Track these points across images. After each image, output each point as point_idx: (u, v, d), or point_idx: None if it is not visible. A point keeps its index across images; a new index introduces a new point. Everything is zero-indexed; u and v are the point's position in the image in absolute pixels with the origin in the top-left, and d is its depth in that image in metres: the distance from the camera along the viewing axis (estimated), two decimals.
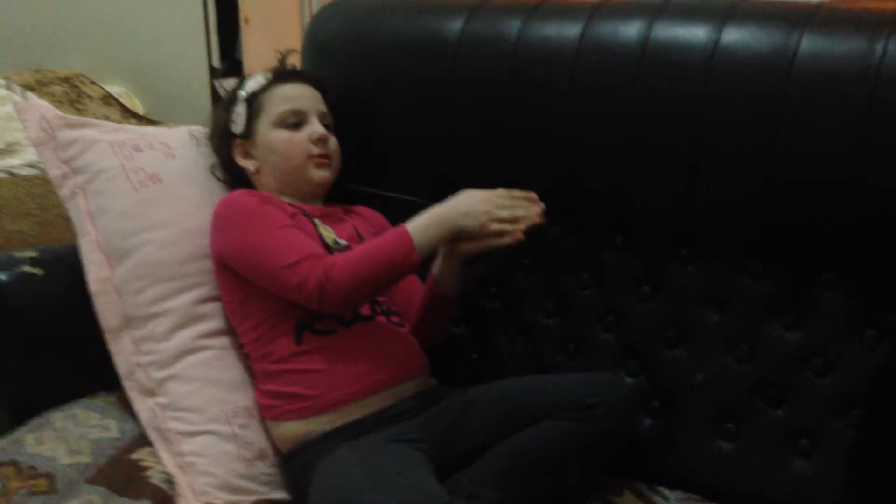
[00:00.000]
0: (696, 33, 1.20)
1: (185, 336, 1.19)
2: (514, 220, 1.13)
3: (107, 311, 1.21)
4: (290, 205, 1.25)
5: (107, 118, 2.25)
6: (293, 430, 1.16)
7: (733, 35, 1.18)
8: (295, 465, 1.16)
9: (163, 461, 1.15)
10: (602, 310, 1.29)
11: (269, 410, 1.18)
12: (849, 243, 1.14)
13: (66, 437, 1.18)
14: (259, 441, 1.17)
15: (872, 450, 0.94)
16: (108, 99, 2.41)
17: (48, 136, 1.25)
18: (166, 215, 1.23)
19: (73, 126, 1.26)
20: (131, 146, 1.27)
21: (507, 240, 1.12)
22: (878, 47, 1.10)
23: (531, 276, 1.34)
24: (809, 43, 1.13)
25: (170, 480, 1.13)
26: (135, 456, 1.16)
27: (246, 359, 1.22)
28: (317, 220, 1.25)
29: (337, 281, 1.11)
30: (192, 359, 1.19)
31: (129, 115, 2.40)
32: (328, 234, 1.24)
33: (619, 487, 1.19)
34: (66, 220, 1.27)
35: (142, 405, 1.19)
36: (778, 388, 1.18)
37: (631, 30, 1.23)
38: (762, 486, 1.16)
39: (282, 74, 1.32)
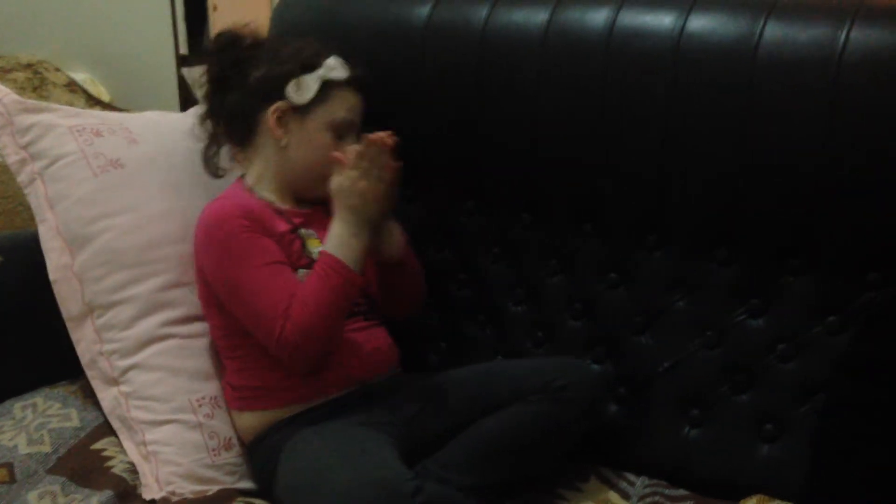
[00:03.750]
0: (662, 20, 1.20)
1: (149, 324, 1.17)
2: (372, 166, 1.13)
3: (68, 298, 1.19)
4: (282, 212, 1.19)
5: (71, 105, 2.20)
6: (258, 418, 1.15)
7: (699, 22, 1.18)
8: (260, 452, 1.15)
9: (126, 451, 1.14)
10: (570, 297, 1.29)
11: (234, 401, 1.17)
12: (814, 229, 1.15)
13: (26, 426, 1.16)
14: (225, 431, 1.16)
15: (834, 435, 0.95)
16: (73, 86, 2.37)
17: (5, 121, 1.22)
18: (128, 201, 1.21)
19: (30, 111, 1.24)
20: (91, 131, 1.24)
21: (388, 173, 1.14)
22: (841, 35, 1.10)
23: (499, 264, 1.34)
24: (774, 30, 1.14)
25: (133, 470, 1.12)
26: (97, 446, 1.15)
27: (213, 347, 1.20)
28: (303, 233, 1.20)
29: (301, 347, 1.10)
30: (156, 347, 1.17)
31: (93, 102, 2.36)
32: (314, 245, 1.19)
33: (586, 473, 1.19)
34: (29, 209, 1.25)
35: (105, 394, 1.18)
36: (743, 374, 1.19)
37: (598, 17, 1.23)
38: (728, 471, 1.17)
39: (360, 80, 1.24)
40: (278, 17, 1.48)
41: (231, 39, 1.25)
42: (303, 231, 1.20)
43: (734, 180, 1.17)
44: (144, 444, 1.13)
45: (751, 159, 1.16)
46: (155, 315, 1.18)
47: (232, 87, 1.23)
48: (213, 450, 1.14)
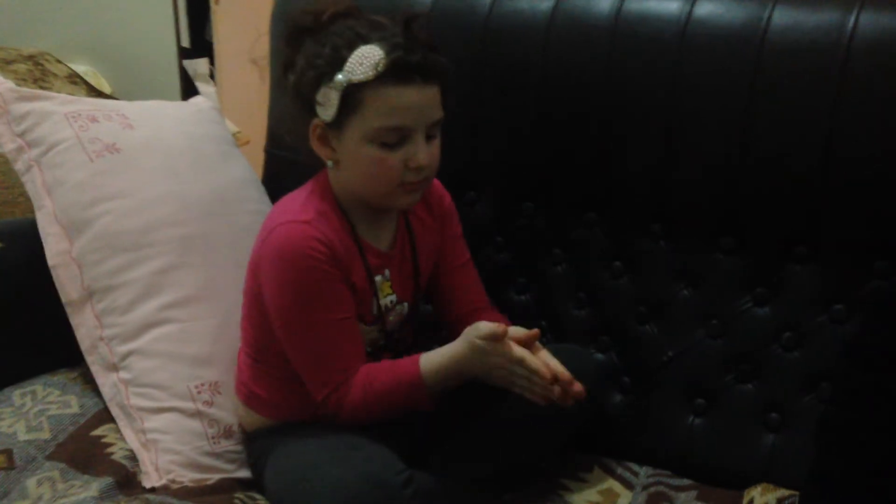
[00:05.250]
0: (668, 6, 1.19)
1: (148, 308, 1.16)
2: (528, 389, 1.02)
3: (67, 284, 1.18)
4: (363, 249, 1.07)
5: None
6: (262, 420, 1.13)
7: (706, 7, 1.17)
8: (257, 444, 1.13)
9: (125, 438, 1.13)
10: (574, 286, 1.28)
11: (243, 396, 1.15)
12: (820, 217, 1.14)
13: (26, 413, 1.16)
14: (225, 418, 1.15)
15: (839, 424, 0.95)
16: (74, 77, 2.36)
17: (1, 110, 1.22)
18: (125, 185, 1.20)
19: (26, 99, 1.23)
20: (87, 117, 1.23)
21: (536, 394, 1.02)
22: (850, 20, 1.09)
23: (503, 253, 1.33)
24: (782, 15, 1.13)
25: (133, 457, 1.11)
26: (97, 432, 1.14)
27: (215, 330, 1.18)
28: (378, 281, 1.09)
29: (351, 418, 1.05)
30: (156, 332, 1.16)
31: (95, 94, 2.35)
32: (385, 292, 1.11)
33: (589, 463, 1.18)
34: (30, 199, 1.24)
35: (104, 380, 1.17)
36: (748, 363, 1.18)
37: (604, 3, 1.22)
38: (732, 460, 1.16)
39: (399, 69, 0.97)
40: (280, 10, 1.47)
41: (290, 24, 1.05)
42: (378, 279, 1.10)
43: (740, 168, 1.16)
44: (143, 431, 1.12)
45: (757, 146, 1.15)
46: (154, 298, 1.17)
47: (286, 90, 1.06)
48: (213, 437, 1.13)
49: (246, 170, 1.36)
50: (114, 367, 1.16)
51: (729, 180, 1.17)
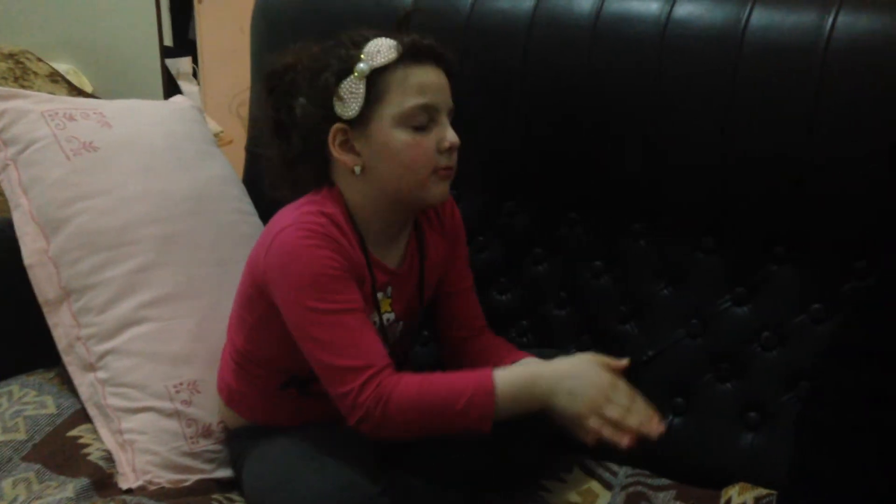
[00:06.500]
0: (649, 7, 1.20)
1: (125, 307, 1.16)
2: (619, 425, 0.93)
3: (43, 283, 1.17)
4: (372, 264, 1.03)
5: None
6: (242, 419, 1.12)
7: (686, 8, 1.18)
8: (237, 442, 1.12)
9: (102, 438, 1.12)
10: (556, 285, 1.28)
11: (225, 394, 1.14)
12: (799, 217, 1.14)
13: (1, 414, 1.14)
14: (204, 418, 1.14)
15: (817, 422, 0.95)
16: (55, 76, 2.35)
17: None
18: (103, 184, 1.19)
19: (2, 97, 1.22)
20: (64, 115, 1.22)
21: (594, 440, 0.93)
22: (828, 20, 1.10)
23: (485, 252, 1.33)
24: (760, 16, 1.14)
25: (109, 458, 1.10)
26: (73, 433, 1.13)
27: (193, 328, 1.17)
28: (380, 298, 1.06)
29: (392, 418, 0.93)
30: (134, 331, 1.15)
31: (76, 92, 2.34)
32: (384, 310, 1.07)
33: (570, 464, 1.18)
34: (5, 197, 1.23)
35: (81, 380, 1.16)
36: (728, 362, 1.18)
37: (585, 3, 1.23)
38: (711, 459, 1.16)
39: (416, 51, 0.99)
40: (261, 5, 1.46)
41: (279, 74, 1.04)
42: (380, 295, 1.06)
43: (720, 168, 1.17)
44: (120, 432, 1.11)
45: (737, 146, 1.15)
46: (132, 297, 1.16)
47: (289, 131, 1.03)
48: (191, 437, 1.12)
49: (226, 168, 1.35)
50: (91, 367, 1.15)
51: (710, 180, 1.18)
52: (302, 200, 1.04)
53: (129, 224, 1.18)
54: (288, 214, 1.03)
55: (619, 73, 1.20)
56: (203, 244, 1.22)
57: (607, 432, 0.93)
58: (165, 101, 1.40)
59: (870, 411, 0.93)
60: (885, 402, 0.89)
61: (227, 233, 1.26)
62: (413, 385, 0.95)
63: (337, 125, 1.00)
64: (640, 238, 1.24)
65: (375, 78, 0.98)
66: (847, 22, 1.10)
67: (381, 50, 0.98)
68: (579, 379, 0.95)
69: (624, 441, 0.92)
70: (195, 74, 2.58)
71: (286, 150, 1.04)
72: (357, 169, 1.01)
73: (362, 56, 0.98)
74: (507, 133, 1.27)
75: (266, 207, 1.38)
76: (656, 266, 1.23)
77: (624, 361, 0.99)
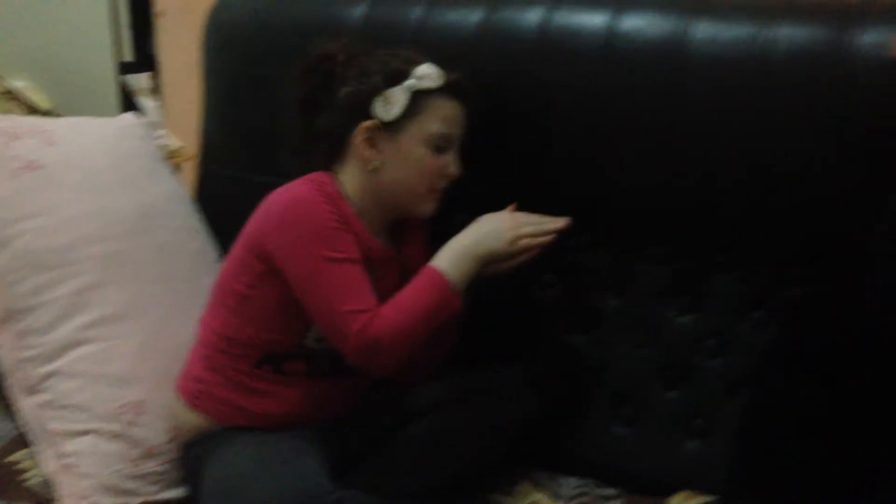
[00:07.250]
0: (593, 20, 1.20)
1: (69, 327, 1.14)
2: (539, 234, 1.11)
3: None
4: (363, 241, 1.10)
5: (9, 114, 2.16)
6: (205, 421, 1.12)
7: (630, 22, 1.19)
8: (192, 454, 1.12)
9: (42, 463, 1.10)
10: (504, 297, 1.28)
11: (190, 397, 1.13)
12: (740, 227, 1.16)
13: None
14: (149, 438, 1.13)
15: (757, 428, 0.96)
16: (11, 94, 2.33)
17: None
18: (46, 203, 1.18)
19: None
20: (8, 134, 1.21)
21: (534, 252, 1.11)
22: (768, 33, 1.11)
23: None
24: (702, 29, 1.15)
25: (49, 484, 1.08)
26: (11, 458, 1.11)
27: (138, 349, 1.16)
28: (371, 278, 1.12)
29: (388, 343, 1.03)
30: (78, 352, 1.14)
31: (31, 110, 2.32)
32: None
33: (517, 477, 1.18)
34: None
35: (23, 403, 1.14)
36: (673, 371, 1.19)
37: (531, 16, 1.23)
38: (657, 468, 1.17)
39: (456, 87, 1.14)
40: (213, 19, 1.46)
41: (322, 58, 1.16)
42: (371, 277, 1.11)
43: (665, 178, 1.18)
44: (62, 456, 1.09)
45: (680, 157, 1.16)
46: (76, 317, 1.15)
47: (321, 109, 1.15)
48: (135, 459, 1.11)
49: (174, 186, 1.34)
50: (32, 390, 1.13)
51: (655, 190, 1.19)
52: (298, 181, 1.12)
53: (72, 243, 1.17)
54: (286, 187, 1.11)
55: (565, 85, 1.20)
56: (148, 262, 1.21)
57: (534, 242, 1.11)
58: (112, 119, 1.39)
59: (807, 416, 0.94)
60: (819, 408, 0.90)
61: (174, 250, 1.25)
62: (390, 311, 1.04)
63: (371, 122, 1.11)
64: (589, 249, 1.24)
65: (418, 96, 1.11)
66: (787, 35, 1.11)
67: (430, 75, 1.12)
68: (489, 222, 1.12)
69: (548, 239, 1.11)
70: (156, 90, 2.56)
71: (305, 126, 1.16)
72: (376, 164, 1.12)
73: (415, 73, 1.11)
74: None
75: (216, 225, 1.37)
76: (605, 276, 1.23)
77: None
